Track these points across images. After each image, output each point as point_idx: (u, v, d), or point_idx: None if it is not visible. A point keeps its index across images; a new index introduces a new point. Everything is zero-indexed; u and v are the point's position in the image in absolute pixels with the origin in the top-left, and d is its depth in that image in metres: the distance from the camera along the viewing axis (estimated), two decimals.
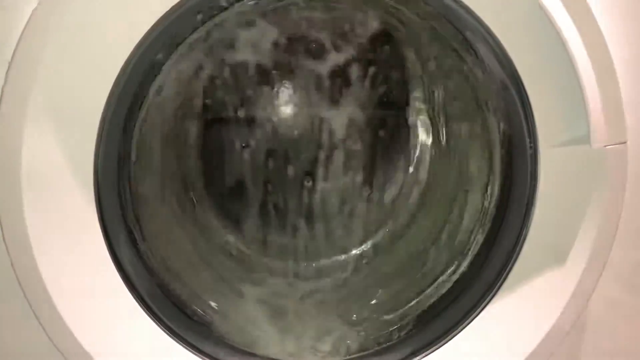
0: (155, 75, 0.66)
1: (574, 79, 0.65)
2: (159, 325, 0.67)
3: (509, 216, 0.71)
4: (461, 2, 0.63)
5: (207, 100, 0.83)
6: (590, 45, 0.64)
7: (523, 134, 0.68)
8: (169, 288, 0.71)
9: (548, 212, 0.69)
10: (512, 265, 0.70)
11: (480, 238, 0.74)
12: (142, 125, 0.70)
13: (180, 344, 0.68)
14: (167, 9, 0.61)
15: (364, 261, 0.89)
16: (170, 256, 0.74)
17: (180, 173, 0.85)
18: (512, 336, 0.69)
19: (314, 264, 0.87)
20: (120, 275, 0.67)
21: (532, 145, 0.68)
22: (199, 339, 0.69)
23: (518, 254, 0.69)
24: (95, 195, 0.64)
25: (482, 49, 0.67)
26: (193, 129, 0.84)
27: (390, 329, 0.74)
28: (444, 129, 0.84)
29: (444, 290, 0.75)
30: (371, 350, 0.73)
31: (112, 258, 0.66)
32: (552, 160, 0.68)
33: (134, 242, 0.68)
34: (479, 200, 0.76)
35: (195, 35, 0.67)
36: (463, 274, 0.74)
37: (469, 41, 0.68)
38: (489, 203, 0.74)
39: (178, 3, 0.61)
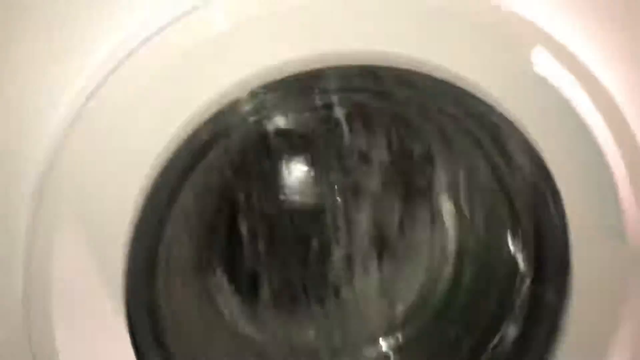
0: (183, 183, 0.66)
1: (608, 181, 0.65)
2: None
3: (539, 323, 0.70)
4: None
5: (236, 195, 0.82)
6: (624, 150, 0.64)
7: (554, 233, 0.68)
8: None
9: (582, 318, 0.67)
10: None
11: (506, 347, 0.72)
12: (171, 228, 0.68)
13: None
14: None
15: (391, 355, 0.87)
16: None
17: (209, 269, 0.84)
18: None
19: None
20: None
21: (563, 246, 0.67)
22: None
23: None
24: (125, 306, 0.62)
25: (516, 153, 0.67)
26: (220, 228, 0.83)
27: None
28: (469, 218, 0.84)
29: None
30: None
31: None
32: (585, 258, 0.67)
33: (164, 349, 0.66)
34: (506, 303, 0.74)
35: None
36: None
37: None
38: (517, 307, 0.73)
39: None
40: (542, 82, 0.63)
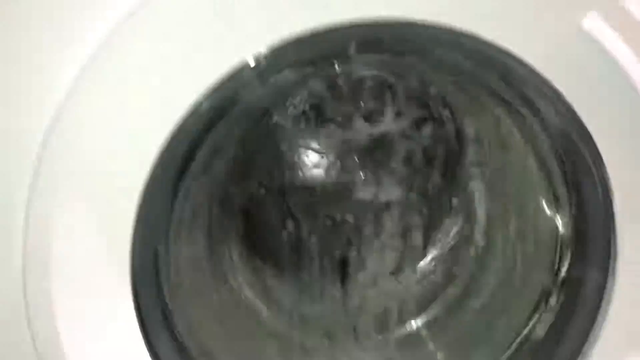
0: (193, 159, 0.61)
1: None
2: None
3: (580, 303, 0.64)
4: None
5: (250, 174, 0.78)
6: None
7: (599, 212, 0.62)
8: None
9: (627, 297, 0.62)
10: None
11: (543, 330, 0.67)
12: (183, 205, 0.64)
13: None
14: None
15: (417, 335, 0.82)
16: (213, 348, 0.68)
17: (222, 257, 0.80)
18: None
19: (361, 342, 0.81)
20: None
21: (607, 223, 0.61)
22: None
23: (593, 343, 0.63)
24: (132, 286, 0.58)
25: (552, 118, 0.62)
26: (236, 207, 0.79)
27: None
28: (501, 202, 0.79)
29: None
30: None
31: (149, 351, 0.61)
32: (630, 239, 0.62)
33: (172, 334, 0.63)
34: (546, 276, 0.69)
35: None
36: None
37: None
38: (556, 288, 0.67)
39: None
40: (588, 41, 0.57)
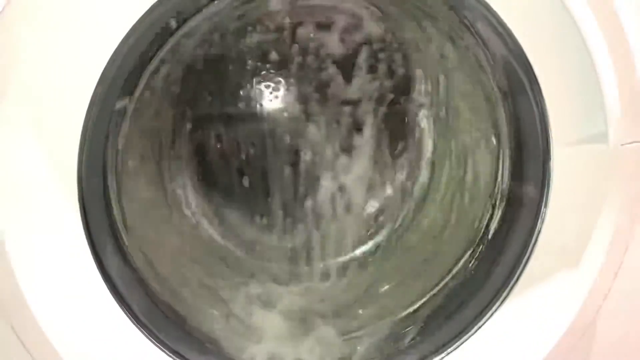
0: (141, 73, 0.60)
1: (591, 76, 0.62)
2: (151, 341, 0.62)
3: (519, 217, 0.68)
4: None
5: (200, 95, 0.78)
6: (610, 41, 0.61)
7: (535, 131, 0.65)
8: (161, 298, 0.66)
9: (561, 213, 0.66)
10: (524, 267, 0.67)
11: (488, 240, 0.71)
12: (130, 123, 0.63)
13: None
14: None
15: (369, 259, 0.85)
16: (161, 263, 0.69)
17: (170, 174, 0.80)
18: (523, 341, 0.67)
19: (318, 265, 0.83)
20: (107, 285, 0.61)
21: (544, 143, 0.64)
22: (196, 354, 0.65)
23: (529, 255, 0.67)
24: (79, 202, 0.58)
25: (489, 35, 0.63)
26: (184, 125, 0.78)
27: (396, 334, 0.71)
28: (448, 120, 0.81)
29: (450, 292, 0.72)
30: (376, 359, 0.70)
31: (99, 267, 0.61)
32: (566, 158, 0.65)
33: (121, 250, 0.63)
34: (487, 198, 0.72)
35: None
36: (471, 275, 0.71)
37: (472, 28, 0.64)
38: (498, 201, 0.71)
39: None
40: None
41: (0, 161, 0.56)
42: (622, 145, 0.64)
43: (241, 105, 0.82)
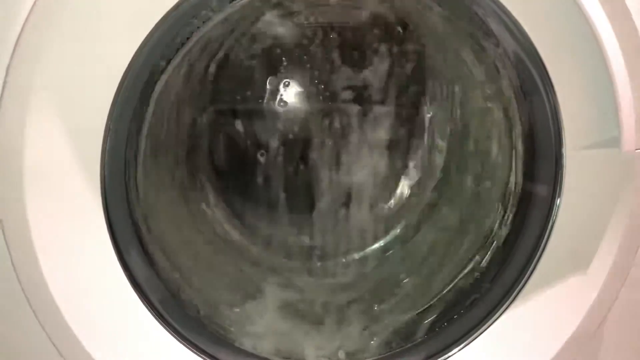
0: (162, 71, 0.62)
1: (606, 80, 0.62)
2: (170, 332, 0.65)
3: (530, 219, 0.69)
4: None
5: (218, 93, 0.80)
6: (625, 46, 0.61)
7: (549, 134, 0.65)
8: (180, 292, 0.68)
9: (572, 217, 0.66)
10: (533, 270, 0.68)
11: (499, 240, 0.72)
12: (151, 119, 0.66)
13: (194, 352, 0.65)
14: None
15: (386, 254, 0.86)
16: (180, 259, 0.71)
17: (190, 169, 0.82)
18: (530, 343, 0.68)
19: (335, 261, 0.84)
20: (127, 276, 0.64)
21: (557, 146, 0.65)
22: (215, 346, 0.67)
23: (539, 258, 0.67)
24: (102, 197, 0.61)
25: (506, 40, 0.64)
26: (203, 121, 0.80)
27: (407, 331, 0.72)
28: (461, 122, 0.81)
29: (460, 291, 0.73)
30: (385, 355, 0.71)
31: (119, 260, 0.63)
32: (578, 162, 0.65)
33: (141, 242, 0.65)
34: (500, 200, 0.73)
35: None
36: (481, 276, 0.72)
37: (491, 33, 0.65)
38: (510, 203, 0.71)
39: None
40: None
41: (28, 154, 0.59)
42: (636, 150, 0.64)
43: (258, 102, 0.84)
